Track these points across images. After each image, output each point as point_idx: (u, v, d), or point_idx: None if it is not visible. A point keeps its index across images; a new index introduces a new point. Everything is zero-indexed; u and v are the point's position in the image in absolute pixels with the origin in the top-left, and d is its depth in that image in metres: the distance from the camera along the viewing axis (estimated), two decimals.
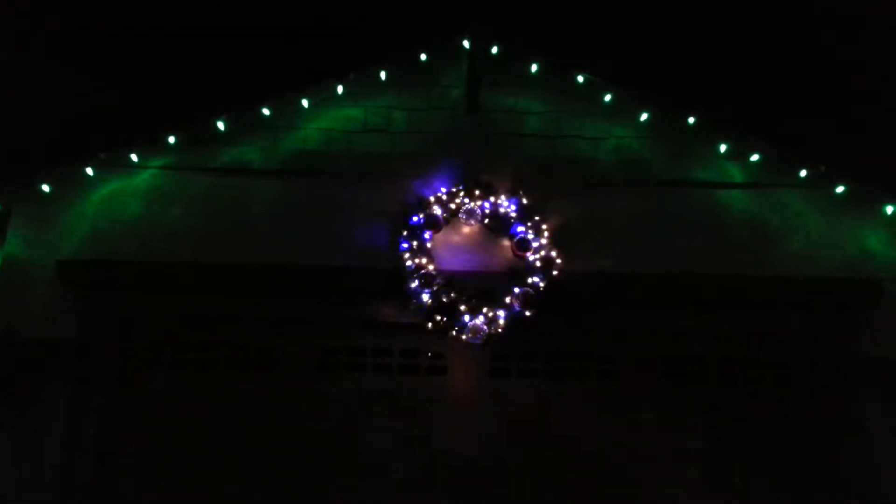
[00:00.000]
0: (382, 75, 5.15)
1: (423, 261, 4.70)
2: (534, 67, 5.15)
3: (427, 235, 4.78)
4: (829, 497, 4.69)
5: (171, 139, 4.98)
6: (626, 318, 4.90)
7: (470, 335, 4.63)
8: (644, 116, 5.10)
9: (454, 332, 4.65)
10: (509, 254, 4.87)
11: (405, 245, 4.74)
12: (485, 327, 4.62)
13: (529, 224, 4.79)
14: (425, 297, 4.64)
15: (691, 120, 5.04)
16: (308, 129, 5.12)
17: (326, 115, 5.14)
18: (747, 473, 4.76)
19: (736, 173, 5.08)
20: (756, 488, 4.74)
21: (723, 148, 5.07)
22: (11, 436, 4.54)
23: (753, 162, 5.04)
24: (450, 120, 5.15)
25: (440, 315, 4.65)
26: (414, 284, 4.66)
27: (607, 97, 5.11)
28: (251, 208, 4.97)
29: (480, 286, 4.75)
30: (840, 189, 4.98)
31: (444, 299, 4.65)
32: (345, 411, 4.82)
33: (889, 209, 4.94)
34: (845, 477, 4.67)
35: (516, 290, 4.66)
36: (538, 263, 4.71)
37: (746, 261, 4.90)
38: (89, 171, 4.94)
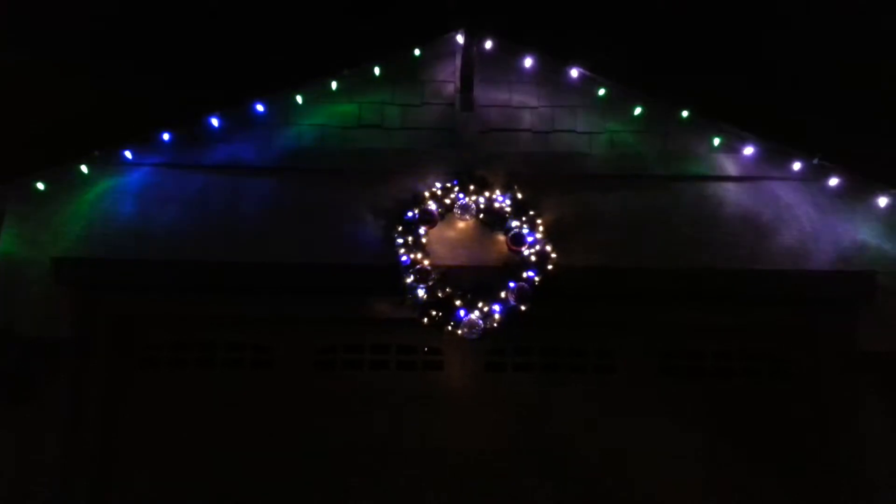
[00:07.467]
0: (376, 71, 5.14)
1: (419, 256, 4.71)
2: (528, 62, 5.13)
3: (422, 231, 4.78)
4: (823, 487, 4.73)
5: (166, 136, 4.97)
6: (620, 312, 4.91)
7: (465, 330, 4.64)
8: (638, 111, 5.10)
9: (450, 328, 4.66)
10: (504, 248, 4.87)
11: (400, 241, 4.74)
12: (480, 322, 4.63)
13: (524, 219, 4.79)
14: (421, 293, 4.65)
15: (685, 114, 5.04)
16: (302, 126, 5.11)
17: (320, 111, 5.13)
18: (744, 465, 4.79)
19: (729, 167, 5.08)
20: (752, 479, 4.77)
21: (716, 141, 5.07)
22: (11, 435, 4.54)
23: (747, 155, 5.05)
24: (444, 115, 5.14)
25: (436, 310, 4.66)
26: (409, 280, 4.66)
27: (601, 92, 5.11)
28: (246, 205, 4.96)
29: (475, 281, 4.76)
30: (833, 181, 4.98)
31: (440, 294, 4.66)
32: (343, 408, 4.84)
33: (882, 201, 4.94)
34: (839, 468, 4.71)
35: (511, 284, 4.66)
36: (533, 258, 4.72)
37: (740, 254, 4.91)
38: (84, 168, 4.93)
